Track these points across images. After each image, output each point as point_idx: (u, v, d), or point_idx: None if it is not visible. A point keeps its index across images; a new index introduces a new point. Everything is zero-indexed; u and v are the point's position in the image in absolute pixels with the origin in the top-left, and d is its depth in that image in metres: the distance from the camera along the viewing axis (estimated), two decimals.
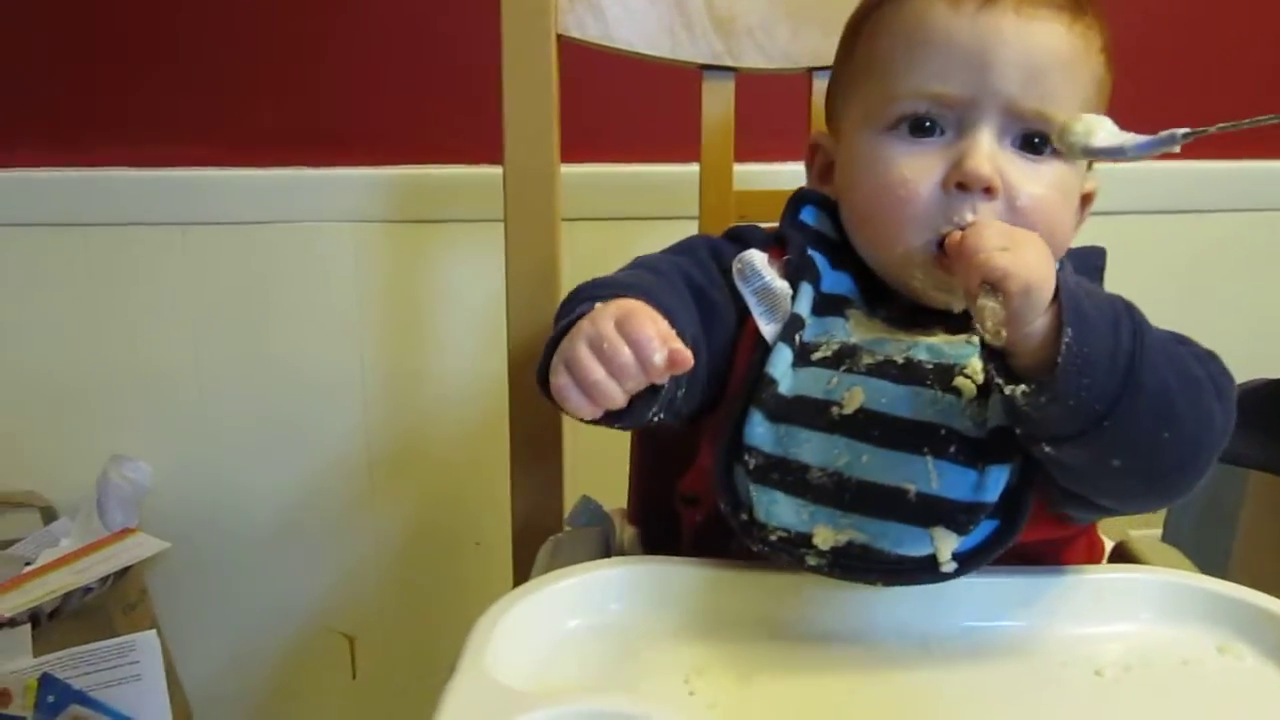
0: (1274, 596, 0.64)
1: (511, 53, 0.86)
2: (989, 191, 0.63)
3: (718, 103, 0.93)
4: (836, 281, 0.70)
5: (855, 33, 0.71)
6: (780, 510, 0.62)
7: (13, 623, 1.09)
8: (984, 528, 0.60)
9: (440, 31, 1.24)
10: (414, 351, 1.33)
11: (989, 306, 0.53)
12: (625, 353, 0.54)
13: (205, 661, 1.38)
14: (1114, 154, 0.58)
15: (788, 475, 0.62)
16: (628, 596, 0.63)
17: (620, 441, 0.89)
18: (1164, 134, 0.55)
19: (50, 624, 1.13)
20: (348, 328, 1.31)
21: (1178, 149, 0.55)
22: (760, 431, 0.63)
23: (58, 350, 1.29)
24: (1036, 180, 0.64)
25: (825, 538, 0.60)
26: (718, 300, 0.69)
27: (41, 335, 1.29)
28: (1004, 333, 0.54)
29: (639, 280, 0.66)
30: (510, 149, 0.88)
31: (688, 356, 0.55)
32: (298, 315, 1.30)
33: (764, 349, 0.66)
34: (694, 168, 0.95)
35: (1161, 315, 0.58)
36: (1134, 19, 1.14)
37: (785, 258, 0.70)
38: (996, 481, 0.60)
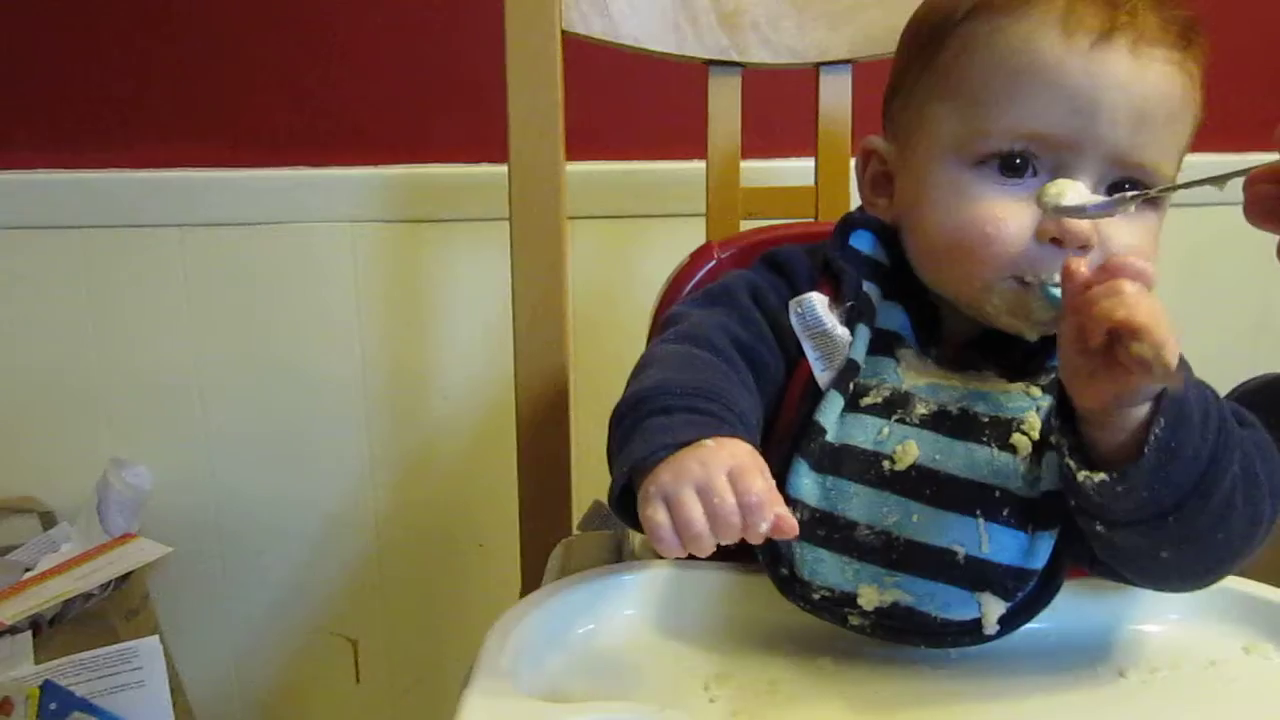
0: None
1: (516, 49, 0.85)
2: (1084, 247, 0.59)
3: (724, 99, 0.92)
4: (888, 315, 0.66)
5: (938, 40, 0.64)
6: (825, 569, 0.60)
7: (14, 630, 1.08)
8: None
9: (442, 28, 1.22)
10: (415, 352, 1.32)
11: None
12: (734, 513, 0.51)
13: (208, 667, 1.36)
14: (1076, 212, 0.58)
15: (834, 532, 0.60)
16: (643, 602, 0.62)
17: None
18: (1116, 196, 0.59)
19: (51, 631, 1.11)
20: (348, 329, 1.30)
21: (1131, 209, 0.58)
22: (806, 484, 0.61)
23: (56, 353, 1.28)
24: (1130, 231, 0.61)
25: (870, 598, 0.59)
26: (765, 355, 0.66)
27: (39, 337, 1.28)
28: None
29: (709, 378, 0.60)
30: (515, 147, 0.87)
31: (792, 525, 0.52)
32: (298, 317, 1.29)
33: (814, 394, 0.63)
34: (701, 165, 0.93)
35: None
36: None
37: (848, 304, 0.65)
38: (1045, 547, 0.59)
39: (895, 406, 0.62)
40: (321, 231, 1.26)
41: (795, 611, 0.62)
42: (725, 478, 0.52)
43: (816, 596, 0.60)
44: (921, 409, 0.62)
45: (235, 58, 1.23)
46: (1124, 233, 0.61)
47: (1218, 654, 0.61)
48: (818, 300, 0.65)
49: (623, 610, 0.62)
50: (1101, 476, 0.53)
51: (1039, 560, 0.59)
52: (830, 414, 0.62)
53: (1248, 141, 1.31)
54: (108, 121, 1.23)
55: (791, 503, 0.60)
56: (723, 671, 0.58)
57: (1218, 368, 0.62)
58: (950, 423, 0.61)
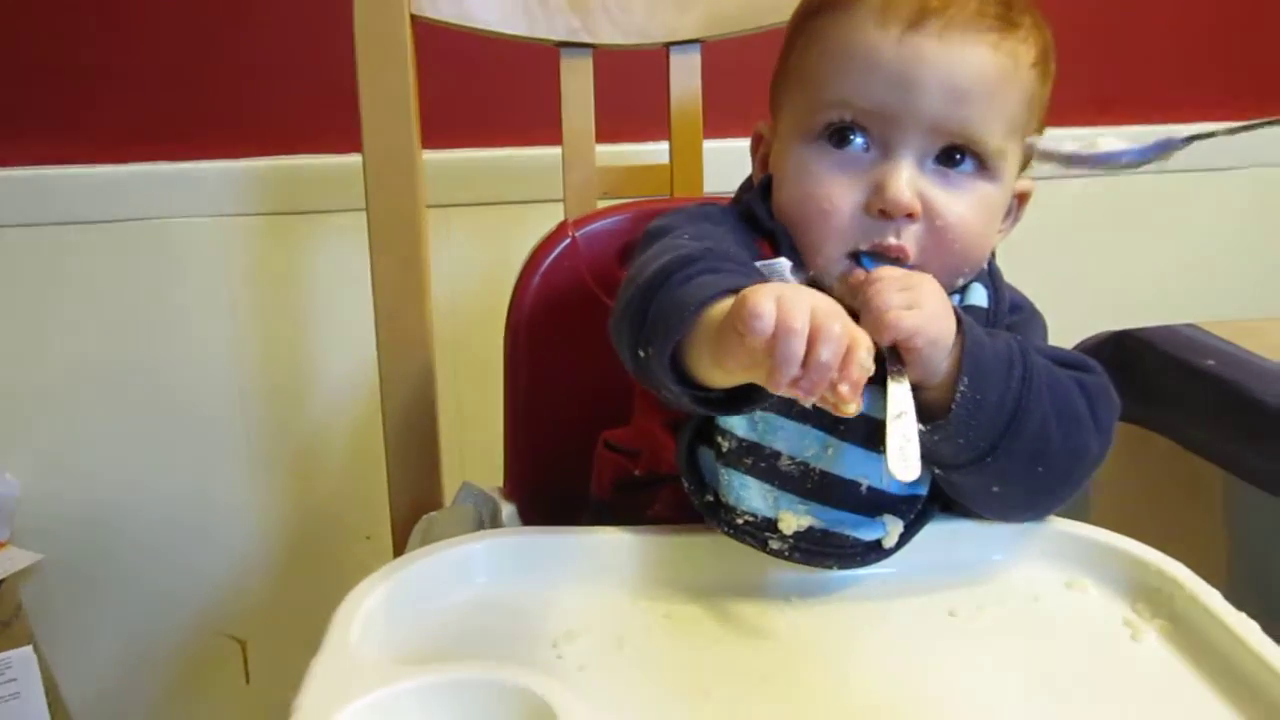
0: (1126, 535, 0.67)
1: (364, 34, 0.86)
2: (910, 216, 0.64)
3: (576, 80, 0.93)
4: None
5: (792, 37, 0.72)
6: (749, 495, 0.64)
7: None
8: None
9: (294, 15, 1.21)
10: (292, 346, 1.31)
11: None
12: (840, 340, 0.50)
13: (90, 676, 1.33)
14: (1106, 160, 0.63)
15: (760, 461, 0.64)
16: (495, 569, 0.64)
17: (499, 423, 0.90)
18: (1154, 142, 0.64)
19: None
20: (220, 325, 1.28)
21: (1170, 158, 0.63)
22: (735, 417, 0.64)
23: None
24: (957, 200, 0.65)
25: (789, 523, 0.63)
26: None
27: None
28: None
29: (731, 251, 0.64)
30: (368, 135, 0.87)
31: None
32: (168, 315, 1.27)
33: None
34: (559, 150, 0.95)
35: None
36: None
37: (811, 274, 0.67)
38: (928, 476, 0.65)
39: None
40: (185, 227, 1.24)
41: (643, 568, 0.64)
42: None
43: (740, 521, 0.64)
44: None
45: (87, 51, 1.20)
46: (952, 203, 0.65)
47: (1040, 589, 0.65)
48: (785, 266, 0.67)
49: (475, 578, 0.63)
50: (920, 426, 0.58)
51: (924, 488, 0.65)
52: None
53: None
54: None
55: (720, 432, 0.64)
56: (572, 629, 0.59)
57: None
58: None
